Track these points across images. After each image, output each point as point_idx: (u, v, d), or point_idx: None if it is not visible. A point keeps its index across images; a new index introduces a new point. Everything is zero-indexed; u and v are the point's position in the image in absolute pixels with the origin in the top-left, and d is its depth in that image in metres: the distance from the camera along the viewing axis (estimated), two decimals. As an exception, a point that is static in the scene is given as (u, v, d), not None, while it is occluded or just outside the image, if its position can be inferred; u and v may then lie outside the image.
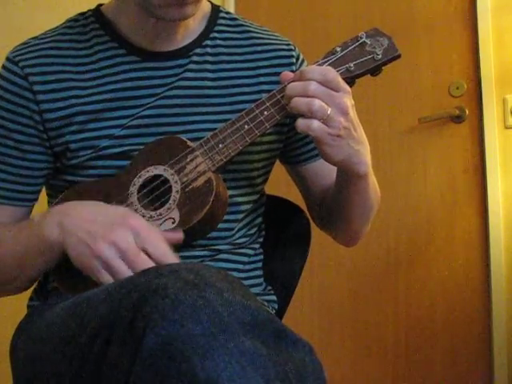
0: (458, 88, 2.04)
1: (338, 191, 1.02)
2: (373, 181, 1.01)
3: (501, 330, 1.92)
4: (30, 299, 1.06)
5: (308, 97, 0.87)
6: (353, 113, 0.90)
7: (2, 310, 1.71)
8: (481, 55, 1.99)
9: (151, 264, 0.80)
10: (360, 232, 1.10)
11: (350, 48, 0.95)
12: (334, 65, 0.94)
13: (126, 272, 0.80)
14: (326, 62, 0.94)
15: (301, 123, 0.88)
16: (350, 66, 0.94)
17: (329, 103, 0.87)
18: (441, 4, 2.09)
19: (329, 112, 0.87)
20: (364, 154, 0.93)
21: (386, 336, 2.11)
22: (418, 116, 2.07)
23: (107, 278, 0.81)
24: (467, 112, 2.02)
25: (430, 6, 2.10)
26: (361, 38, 0.95)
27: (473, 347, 1.98)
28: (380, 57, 0.94)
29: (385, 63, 0.95)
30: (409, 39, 2.11)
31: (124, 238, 0.81)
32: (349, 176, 0.95)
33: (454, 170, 2.04)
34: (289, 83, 0.90)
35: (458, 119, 2.04)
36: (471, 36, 2.02)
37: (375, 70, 0.96)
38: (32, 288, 1.06)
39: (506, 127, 1.96)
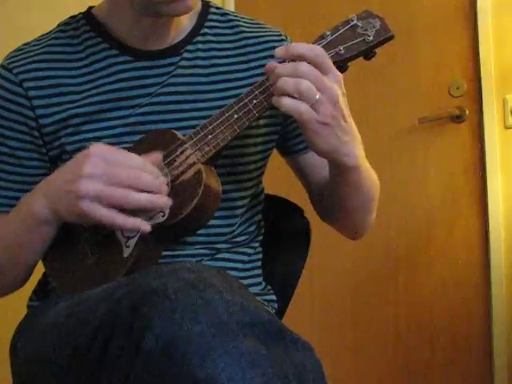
0: (458, 88, 2.04)
1: (332, 183, 1.00)
2: (367, 172, 0.98)
3: (501, 330, 1.92)
4: (30, 299, 1.06)
5: (297, 77, 0.83)
6: (343, 102, 0.86)
7: (2, 310, 1.71)
8: (481, 55, 1.99)
9: (132, 171, 0.82)
10: (363, 224, 1.08)
11: (341, 31, 0.92)
12: (323, 49, 0.90)
13: (113, 192, 0.81)
14: None
15: (287, 102, 0.83)
16: (339, 50, 0.91)
17: (318, 87, 0.83)
18: (441, 4, 2.09)
19: (317, 97, 0.83)
20: (353, 145, 0.89)
21: (386, 336, 2.11)
22: (418, 116, 2.07)
23: (104, 213, 0.81)
24: (467, 112, 2.02)
25: (430, 6, 2.10)
26: (352, 20, 0.93)
27: (473, 347, 1.98)
28: (371, 38, 0.91)
29: (377, 45, 0.92)
30: (409, 39, 2.11)
31: (93, 167, 0.81)
32: (338, 168, 0.92)
33: (454, 170, 2.04)
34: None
35: (458, 119, 2.04)
36: (471, 36, 2.02)
37: (368, 53, 0.93)
38: (32, 288, 1.06)
39: (506, 127, 1.96)
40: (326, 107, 0.84)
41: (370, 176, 1.00)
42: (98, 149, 0.84)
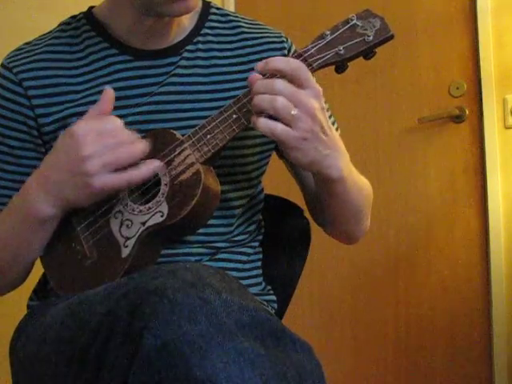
0: (458, 88, 2.04)
1: (318, 194, 1.01)
2: (354, 182, 0.97)
3: (501, 330, 1.92)
4: (30, 299, 1.06)
5: (272, 94, 0.84)
6: (322, 115, 0.86)
7: (2, 310, 1.71)
8: (481, 55, 1.99)
9: (121, 130, 0.85)
10: (353, 232, 1.08)
11: (340, 31, 0.92)
12: (323, 49, 0.91)
13: (119, 155, 0.84)
14: (314, 46, 0.91)
15: (263, 124, 0.84)
16: (339, 50, 0.90)
17: (295, 103, 0.83)
18: (441, 4, 2.08)
19: (294, 112, 0.83)
20: (335, 158, 0.89)
21: (386, 336, 2.11)
22: (418, 116, 2.07)
23: (119, 178, 0.84)
24: (467, 112, 2.02)
25: (430, 6, 2.10)
26: (351, 20, 0.92)
27: (473, 347, 1.98)
28: (371, 38, 0.91)
29: (377, 45, 0.92)
30: (409, 39, 2.11)
31: (89, 144, 0.83)
32: (322, 180, 0.93)
33: (454, 170, 2.04)
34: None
35: (457, 119, 2.03)
36: (471, 36, 2.02)
37: (367, 53, 0.92)
38: (32, 288, 1.06)
39: (506, 127, 1.96)
40: (304, 122, 0.84)
41: (358, 186, 1.00)
42: (81, 129, 0.85)
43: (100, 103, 0.88)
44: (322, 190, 0.97)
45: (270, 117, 0.85)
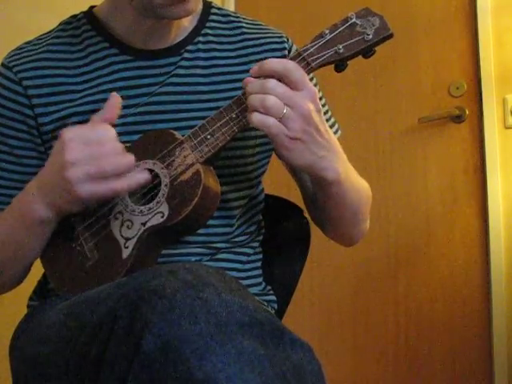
0: (458, 88, 2.04)
1: (315, 196, 1.00)
2: (353, 186, 0.97)
3: (501, 330, 1.92)
4: (31, 299, 1.06)
5: (264, 93, 0.83)
6: (318, 117, 0.85)
7: (2, 310, 1.71)
8: (481, 55, 1.99)
9: (109, 143, 0.83)
10: (351, 235, 1.08)
11: (340, 30, 0.91)
12: (322, 48, 0.90)
13: (102, 165, 0.81)
14: (314, 45, 0.90)
15: (256, 117, 0.83)
16: (338, 48, 0.90)
17: (287, 103, 0.83)
18: (441, 4, 2.09)
19: (284, 111, 0.83)
20: (332, 160, 0.88)
21: (385, 336, 2.11)
22: (418, 116, 2.07)
23: (103, 187, 0.83)
24: (467, 112, 2.02)
25: (430, 6, 2.10)
26: (350, 18, 0.92)
27: (473, 347, 1.98)
28: (371, 37, 0.90)
29: (376, 43, 0.91)
30: (409, 39, 2.11)
31: (73, 152, 0.82)
32: (318, 181, 0.93)
33: (454, 170, 2.04)
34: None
35: (458, 119, 2.04)
36: (471, 36, 2.02)
37: (367, 51, 0.92)
38: (32, 288, 1.07)
39: (506, 127, 1.96)
40: (296, 122, 0.83)
41: (356, 188, 0.99)
42: (70, 133, 0.84)
43: (104, 109, 0.87)
44: (319, 192, 0.97)
45: None
